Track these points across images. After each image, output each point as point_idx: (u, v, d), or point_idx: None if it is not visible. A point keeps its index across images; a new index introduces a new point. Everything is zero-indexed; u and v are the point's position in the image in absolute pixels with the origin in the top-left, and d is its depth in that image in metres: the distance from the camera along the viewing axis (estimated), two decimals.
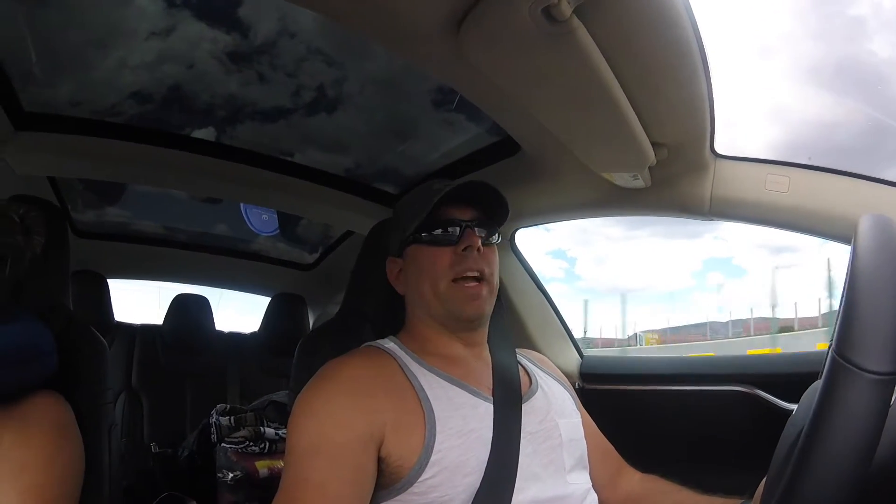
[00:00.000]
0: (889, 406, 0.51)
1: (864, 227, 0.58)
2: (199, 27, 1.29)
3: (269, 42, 1.33)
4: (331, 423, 0.83)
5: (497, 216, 1.02)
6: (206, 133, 1.67)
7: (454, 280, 0.95)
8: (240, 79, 1.47)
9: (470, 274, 0.95)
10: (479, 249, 0.96)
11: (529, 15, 0.74)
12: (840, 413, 0.52)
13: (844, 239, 1.12)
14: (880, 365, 0.51)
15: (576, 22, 0.75)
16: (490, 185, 0.99)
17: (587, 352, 1.84)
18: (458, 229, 0.97)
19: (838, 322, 0.55)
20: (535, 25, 0.75)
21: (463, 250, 0.95)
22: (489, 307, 0.99)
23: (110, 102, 1.53)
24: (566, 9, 0.71)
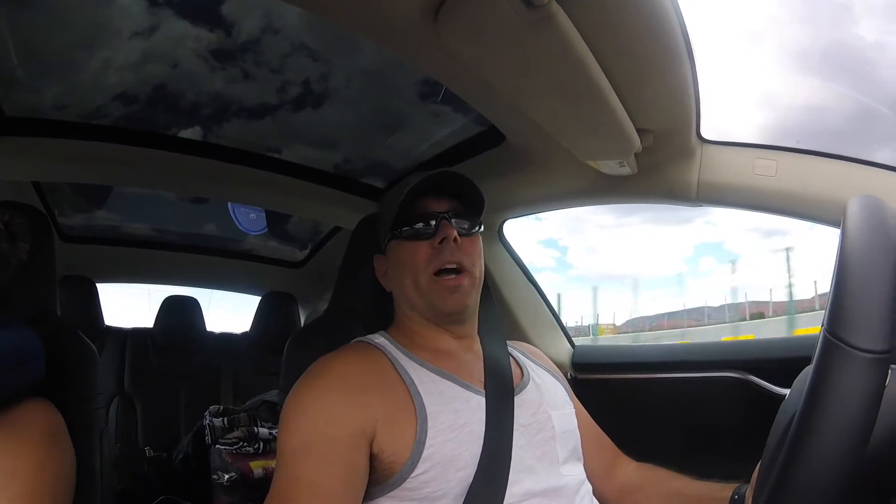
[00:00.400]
0: (884, 387, 0.51)
1: (853, 208, 0.58)
2: (182, 25, 1.27)
3: (252, 39, 1.32)
4: (322, 420, 0.83)
5: (475, 205, 1.01)
6: (192, 132, 1.65)
7: (435, 274, 0.95)
8: (224, 77, 1.46)
9: (448, 266, 0.95)
10: (455, 240, 0.95)
11: (507, 0, 0.73)
12: (833, 391, 0.52)
13: (833, 222, 1.12)
14: (872, 343, 0.51)
15: (555, 7, 0.74)
16: (461, 174, 0.98)
17: (578, 341, 1.84)
18: (432, 223, 0.97)
19: (829, 302, 0.55)
20: (513, 11, 0.74)
21: (439, 243, 0.95)
22: (472, 299, 0.99)
23: (95, 105, 1.51)
24: None
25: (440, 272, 0.95)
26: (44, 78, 1.42)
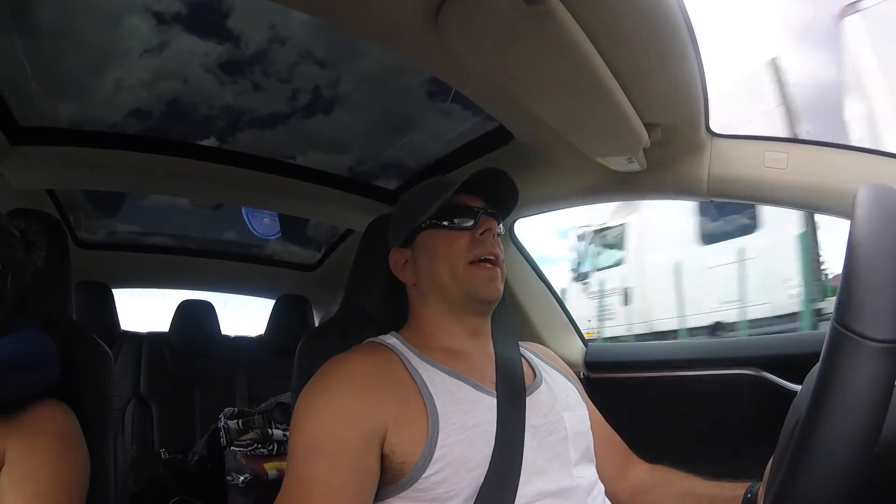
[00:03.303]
0: (895, 378, 0.50)
1: (863, 196, 0.57)
2: (190, 41, 1.30)
3: (260, 50, 1.34)
4: (333, 421, 0.83)
5: (505, 206, 1.05)
6: (206, 143, 1.68)
7: (471, 263, 0.97)
8: (235, 89, 1.48)
9: (488, 257, 0.97)
10: (494, 235, 0.99)
11: None
12: (843, 382, 0.51)
13: (846, 214, 1.10)
14: (882, 332, 0.50)
15: (554, 2, 0.74)
16: (504, 172, 1.01)
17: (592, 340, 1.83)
18: (472, 217, 1.00)
19: (838, 291, 0.54)
20: (511, 8, 0.74)
21: (480, 234, 0.98)
22: (502, 292, 1.00)
23: (111, 122, 1.55)
24: None
25: (477, 261, 0.97)
26: (59, 99, 1.46)
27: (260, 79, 1.44)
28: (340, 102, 1.55)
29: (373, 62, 1.40)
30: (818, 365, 0.54)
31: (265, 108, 1.58)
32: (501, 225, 1.04)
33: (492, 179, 1.02)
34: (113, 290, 2.49)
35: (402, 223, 1.05)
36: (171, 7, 1.21)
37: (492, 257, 0.97)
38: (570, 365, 1.18)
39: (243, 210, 2.33)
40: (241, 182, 1.72)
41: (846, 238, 0.56)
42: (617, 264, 9.25)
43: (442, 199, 0.98)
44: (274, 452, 1.62)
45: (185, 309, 2.60)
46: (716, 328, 7.48)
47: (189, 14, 1.24)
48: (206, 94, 1.50)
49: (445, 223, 1.00)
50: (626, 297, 8.89)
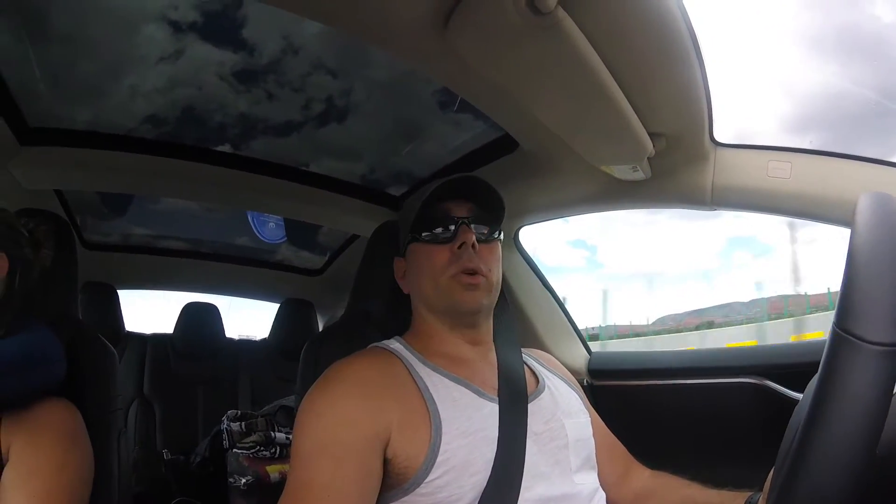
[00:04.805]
0: (894, 380, 0.51)
1: (864, 204, 0.58)
2: (205, 49, 1.32)
3: (274, 60, 1.36)
4: (336, 423, 0.83)
5: (495, 211, 1.02)
6: (221, 149, 1.70)
7: (453, 276, 0.94)
8: (249, 98, 1.50)
9: (467, 272, 0.94)
10: (474, 246, 0.95)
11: (514, 7, 0.74)
12: (843, 385, 0.51)
13: (848, 223, 1.10)
14: (882, 335, 0.50)
15: (561, 13, 0.75)
16: (480, 178, 0.98)
17: (595, 347, 1.83)
18: (453, 226, 0.97)
19: (839, 296, 0.54)
20: (520, 18, 0.75)
21: (459, 248, 0.95)
22: (488, 300, 0.98)
23: (126, 128, 1.57)
24: (551, 1, 0.71)
25: (458, 273, 0.94)
26: (74, 103, 1.48)
27: (273, 88, 1.46)
28: (353, 111, 1.57)
29: (384, 72, 1.41)
30: (819, 368, 0.54)
31: (279, 117, 1.60)
32: (499, 231, 1.03)
33: (473, 185, 1.00)
34: (118, 292, 2.51)
35: (401, 232, 1.06)
36: (187, 16, 1.23)
37: (471, 272, 0.94)
38: (574, 372, 1.18)
39: (249, 214, 2.35)
40: (251, 186, 1.73)
41: (847, 244, 0.57)
42: None
43: (415, 211, 0.97)
44: (276, 455, 1.62)
45: (189, 311, 2.61)
46: None
47: (204, 23, 1.25)
48: (221, 101, 1.52)
49: (427, 235, 0.98)
50: None
